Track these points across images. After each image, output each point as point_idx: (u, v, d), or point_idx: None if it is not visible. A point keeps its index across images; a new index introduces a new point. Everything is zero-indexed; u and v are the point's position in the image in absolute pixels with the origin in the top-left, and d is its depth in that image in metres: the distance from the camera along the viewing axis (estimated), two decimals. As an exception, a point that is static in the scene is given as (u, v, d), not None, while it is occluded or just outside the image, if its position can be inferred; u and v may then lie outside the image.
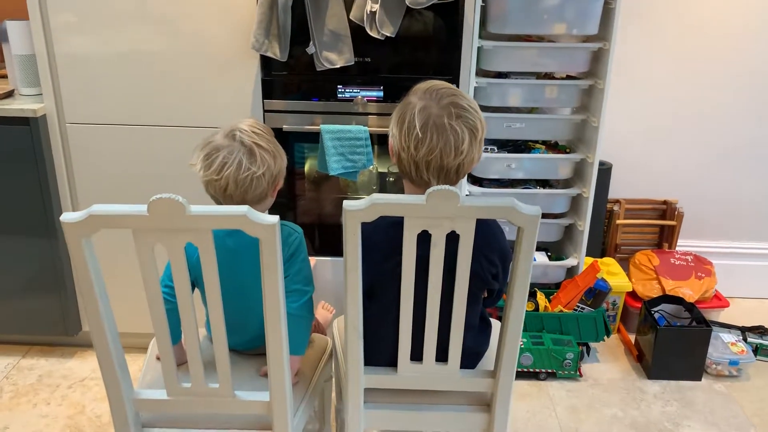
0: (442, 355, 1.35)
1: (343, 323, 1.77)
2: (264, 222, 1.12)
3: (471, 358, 1.44)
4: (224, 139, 1.37)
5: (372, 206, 1.18)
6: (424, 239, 1.20)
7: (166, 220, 1.11)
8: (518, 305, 1.30)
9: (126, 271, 1.94)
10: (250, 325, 1.49)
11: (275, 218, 1.13)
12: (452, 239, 1.21)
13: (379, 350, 1.39)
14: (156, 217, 1.10)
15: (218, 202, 1.43)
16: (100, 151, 2.07)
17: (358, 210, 1.19)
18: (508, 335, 1.32)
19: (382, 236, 1.29)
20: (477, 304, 1.37)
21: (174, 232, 1.13)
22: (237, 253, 1.40)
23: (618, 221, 2.65)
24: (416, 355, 1.35)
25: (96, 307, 1.20)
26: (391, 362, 1.37)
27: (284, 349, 1.25)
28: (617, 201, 2.66)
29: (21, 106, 2.00)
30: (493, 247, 1.31)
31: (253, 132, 1.38)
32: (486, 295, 1.39)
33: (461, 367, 1.36)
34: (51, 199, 2.10)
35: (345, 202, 1.20)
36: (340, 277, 2.19)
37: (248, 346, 1.54)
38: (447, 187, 1.15)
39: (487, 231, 1.28)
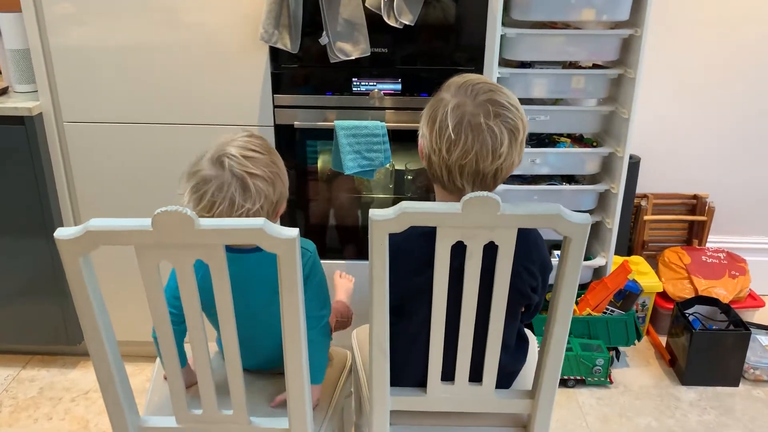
0: (475, 375, 1.23)
1: (363, 335, 1.65)
2: (282, 236, 1.00)
3: (506, 377, 1.32)
4: (212, 167, 1.19)
5: (402, 215, 1.06)
6: (458, 250, 1.09)
7: (172, 236, 0.99)
8: (562, 323, 1.18)
9: (130, 275, 1.82)
10: (261, 346, 1.37)
11: (294, 231, 1.01)
12: (489, 250, 1.09)
13: (407, 370, 1.28)
14: (161, 233, 0.98)
15: None
16: (100, 152, 1.95)
17: (387, 220, 1.07)
18: (549, 355, 1.20)
19: (413, 247, 1.17)
20: (515, 321, 1.25)
21: (181, 249, 1.01)
22: (241, 279, 1.28)
23: (646, 217, 2.52)
24: (447, 375, 1.23)
25: (96, 331, 1.08)
26: (420, 382, 1.26)
27: (305, 378, 1.14)
28: (645, 196, 2.53)
29: (15, 104, 1.88)
30: (533, 258, 1.19)
31: (243, 156, 1.19)
32: (523, 309, 1.27)
33: (496, 387, 1.25)
34: (49, 203, 1.99)
35: (371, 211, 1.08)
36: (357, 280, 2.08)
37: (260, 366, 1.43)
38: (485, 193, 1.03)
39: (528, 240, 1.16)
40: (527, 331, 1.43)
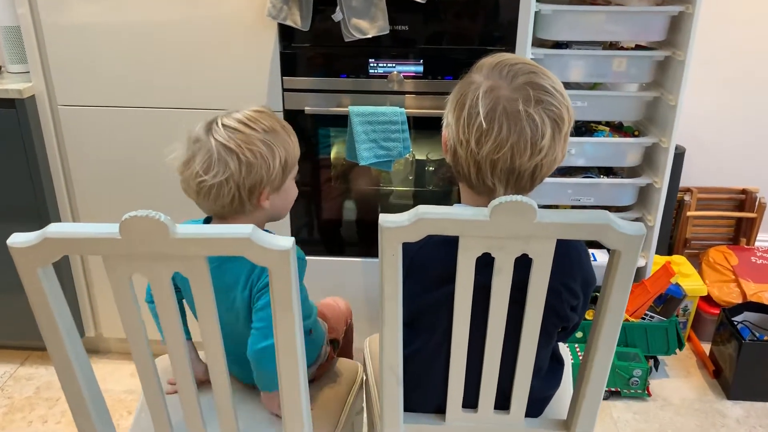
0: (502, 402, 1.07)
1: (375, 345, 1.50)
2: (274, 247, 0.84)
3: (537, 404, 1.15)
4: (201, 131, 1.11)
5: (418, 223, 0.89)
6: (484, 262, 0.92)
7: (144, 245, 0.83)
8: (605, 349, 1.00)
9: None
10: (243, 355, 1.22)
11: (289, 241, 0.85)
12: (522, 263, 0.92)
13: (424, 393, 1.12)
14: (131, 241, 0.83)
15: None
16: (97, 137, 1.81)
17: (399, 227, 0.90)
18: (590, 384, 1.03)
19: (430, 257, 1.00)
20: (549, 344, 1.08)
21: (156, 260, 0.86)
22: (229, 273, 1.13)
23: (689, 213, 2.31)
24: (470, 401, 1.07)
25: (62, 351, 0.93)
26: (438, 408, 1.10)
27: (304, 405, 0.98)
28: (688, 190, 2.33)
29: (5, 86, 1.74)
30: (574, 274, 1.01)
31: (229, 127, 1.08)
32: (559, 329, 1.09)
33: (525, 415, 1.09)
34: (44, 193, 1.85)
35: (381, 217, 0.91)
36: (372, 279, 1.92)
37: (250, 379, 1.28)
38: (519, 198, 0.86)
39: (569, 252, 0.98)
40: (563, 349, 1.26)
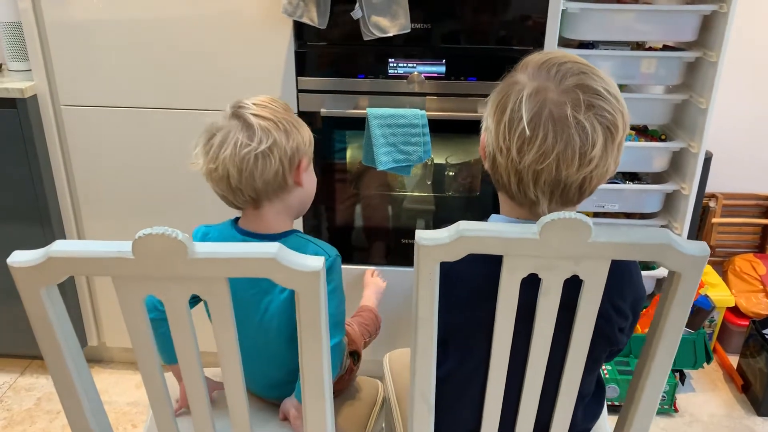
0: (539, 431, 0.99)
1: (398, 362, 1.42)
2: (303, 267, 0.76)
3: (577, 434, 1.07)
4: (223, 119, 1.06)
5: (458, 241, 0.82)
6: (528, 281, 0.84)
7: (160, 266, 0.75)
8: (654, 385, 0.93)
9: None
10: (266, 372, 1.16)
11: (319, 262, 0.77)
12: (569, 283, 0.85)
13: (455, 418, 1.04)
14: (145, 262, 0.75)
15: (231, 203, 1.09)
16: (101, 139, 1.73)
17: (438, 245, 0.82)
18: (634, 423, 0.96)
19: (469, 272, 0.92)
20: (596, 370, 1.00)
21: (172, 282, 0.78)
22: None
23: (714, 220, 2.23)
24: (505, 428, 0.99)
25: (69, 381, 0.86)
26: (470, 434, 1.02)
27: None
28: (713, 196, 2.25)
29: (6, 85, 1.65)
30: (625, 294, 0.93)
31: (255, 105, 1.06)
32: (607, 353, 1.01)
33: (564, 446, 1.01)
34: (45, 196, 1.77)
35: (418, 234, 0.83)
36: (389, 289, 1.84)
37: (266, 394, 1.21)
38: (572, 215, 0.78)
39: (621, 271, 0.90)
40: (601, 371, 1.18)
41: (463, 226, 0.81)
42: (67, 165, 1.78)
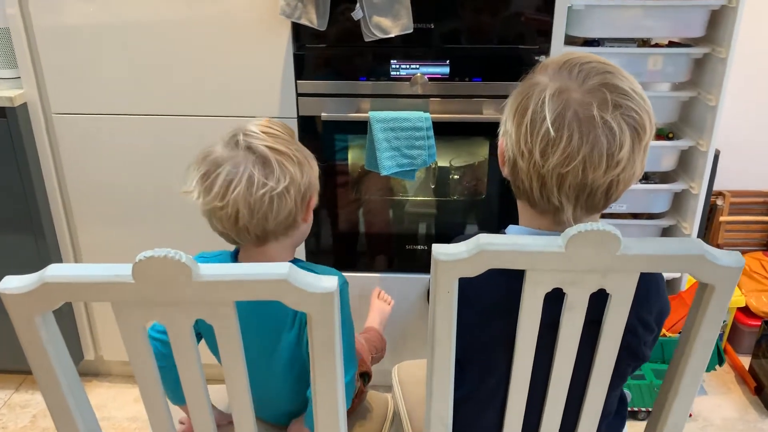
0: (561, 449, 0.95)
1: (407, 374, 1.37)
2: (316, 289, 0.71)
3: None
4: (225, 148, 0.96)
5: (479, 255, 0.77)
6: (552, 295, 0.80)
7: (162, 290, 0.70)
8: (685, 398, 0.89)
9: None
10: (275, 400, 1.11)
11: (333, 282, 0.72)
12: (594, 297, 0.80)
13: (472, 439, 0.99)
14: (147, 286, 0.70)
15: (231, 240, 1.02)
16: (95, 148, 1.67)
17: (457, 260, 0.77)
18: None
19: (488, 285, 0.87)
20: (620, 386, 0.96)
21: (176, 307, 0.72)
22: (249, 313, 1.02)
23: (722, 218, 2.19)
24: (525, 448, 0.95)
25: (67, 413, 0.80)
26: (489, 456, 0.97)
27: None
28: (720, 193, 2.21)
29: (-5, 93, 1.60)
30: (651, 306, 0.89)
31: (263, 133, 0.97)
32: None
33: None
34: (38, 208, 1.72)
35: (436, 249, 0.78)
36: (391, 294, 1.79)
37: (276, 420, 1.16)
38: (600, 226, 0.74)
39: (648, 283, 0.86)
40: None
41: (484, 239, 0.76)
42: (59, 174, 1.72)
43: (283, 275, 0.70)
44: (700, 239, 0.77)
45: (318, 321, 0.73)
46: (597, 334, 0.84)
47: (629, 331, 0.84)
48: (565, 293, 0.80)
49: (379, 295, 1.57)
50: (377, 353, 1.39)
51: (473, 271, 0.78)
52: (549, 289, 0.79)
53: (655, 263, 0.76)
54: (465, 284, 0.82)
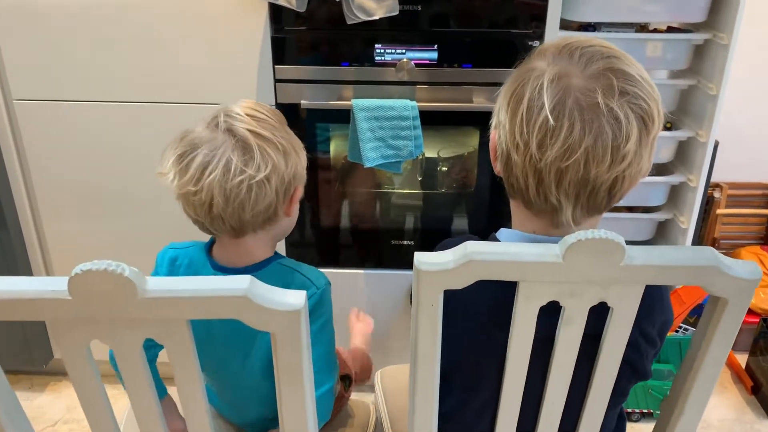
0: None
1: (390, 380, 1.29)
2: (281, 306, 0.62)
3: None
4: (205, 130, 0.89)
5: (466, 266, 0.68)
6: (546, 308, 0.72)
7: (104, 307, 0.61)
8: (691, 417, 0.81)
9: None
10: (251, 404, 1.04)
11: (300, 298, 0.63)
12: (594, 310, 0.72)
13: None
14: (86, 303, 0.61)
15: (205, 230, 0.94)
16: (60, 136, 1.57)
17: (442, 271, 0.69)
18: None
19: (477, 296, 0.79)
20: (620, 404, 0.88)
21: (121, 326, 0.64)
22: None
23: (718, 211, 2.12)
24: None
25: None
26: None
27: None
28: (717, 185, 2.14)
29: (-50, 78, 1.49)
30: (654, 319, 0.81)
31: (248, 116, 0.89)
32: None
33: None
34: (0, 199, 1.62)
35: (418, 257, 0.70)
36: (377, 297, 1.71)
37: (252, 427, 1.08)
38: (603, 234, 0.65)
39: (651, 294, 0.77)
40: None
41: (472, 248, 0.68)
42: (22, 163, 1.62)
43: (243, 291, 0.61)
44: (712, 248, 0.68)
45: (283, 341, 0.64)
46: (596, 349, 0.77)
47: (631, 346, 0.76)
48: (562, 306, 0.72)
49: (358, 317, 1.47)
50: (362, 372, 1.30)
51: (460, 283, 0.70)
52: (544, 302, 0.71)
53: (663, 275, 0.68)
54: (450, 293, 0.73)
